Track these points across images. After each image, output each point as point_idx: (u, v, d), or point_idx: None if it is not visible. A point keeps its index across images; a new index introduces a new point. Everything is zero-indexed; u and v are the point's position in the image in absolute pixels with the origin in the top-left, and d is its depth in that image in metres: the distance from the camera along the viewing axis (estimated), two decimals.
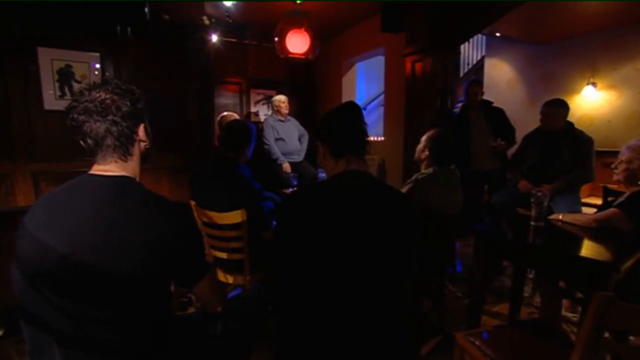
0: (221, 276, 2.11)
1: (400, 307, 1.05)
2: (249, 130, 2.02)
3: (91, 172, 0.90)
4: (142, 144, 0.98)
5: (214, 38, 4.13)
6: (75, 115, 0.85)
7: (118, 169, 0.91)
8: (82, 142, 0.89)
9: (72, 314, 0.79)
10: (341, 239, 0.95)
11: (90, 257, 0.79)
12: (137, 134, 0.95)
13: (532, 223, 1.79)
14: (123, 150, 0.91)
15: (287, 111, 4.21)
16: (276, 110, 4.19)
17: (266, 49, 4.50)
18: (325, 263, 0.95)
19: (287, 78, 5.11)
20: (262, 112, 4.95)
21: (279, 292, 1.08)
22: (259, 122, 4.55)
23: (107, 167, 0.90)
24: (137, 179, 0.97)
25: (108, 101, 0.87)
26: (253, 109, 4.95)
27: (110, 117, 0.87)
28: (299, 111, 5.06)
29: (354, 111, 1.06)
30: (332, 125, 1.06)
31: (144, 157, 1.01)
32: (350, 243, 0.95)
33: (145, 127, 0.98)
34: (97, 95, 0.86)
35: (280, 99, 4.17)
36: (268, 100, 4.80)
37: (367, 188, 1.00)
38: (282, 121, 4.17)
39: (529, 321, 1.88)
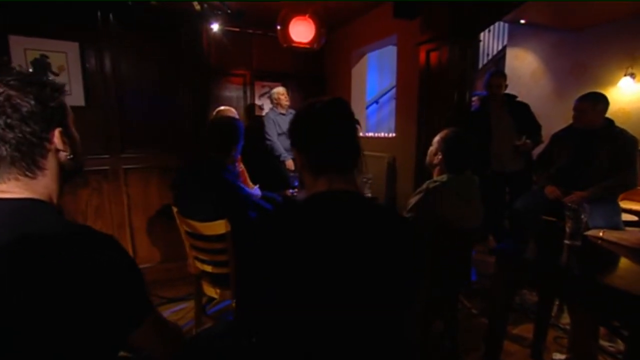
0: (209, 290, 1.93)
1: (401, 346, 0.83)
2: (237, 128, 1.79)
3: None
4: (62, 155, 0.75)
5: (215, 27, 3.90)
6: None
7: (20, 189, 0.68)
8: None
9: None
10: (324, 274, 0.72)
11: None
12: (49, 141, 0.71)
13: (567, 242, 1.50)
14: (27, 163, 0.68)
15: (287, 103, 3.98)
16: (276, 103, 3.98)
17: (271, 38, 4.25)
18: (306, 302, 0.73)
19: (293, 69, 4.84)
20: (267, 105, 4.71)
21: (249, 333, 0.87)
22: (262, 116, 4.32)
23: (4, 187, 0.67)
24: (54, 201, 0.74)
25: (0, 98, 0.64)
26: (257, 102, 4.72)
27: (2, 119, 0.64)
28: None
29: (340, 113, 0.79)
30: (310, 132, 0.80)
31: (68, 172, 0.78)
32: (336, 278, 0.72)
33: (62, 132, 0.74)
34: None
35: (279, 90, 3.96)
36: None
37: (356, 211, 0.75)
38: (283, 114, 3.95)
39: None
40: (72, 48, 2.13)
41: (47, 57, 2.07)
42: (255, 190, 2.86)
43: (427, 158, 1.68)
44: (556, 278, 1.35)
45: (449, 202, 1.50)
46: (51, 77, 2.10)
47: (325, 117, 0.78)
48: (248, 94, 4.67)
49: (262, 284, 0.75)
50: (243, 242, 1.68)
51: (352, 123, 0.80)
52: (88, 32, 2.17)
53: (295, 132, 0.82)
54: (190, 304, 2.36)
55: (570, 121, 2.47)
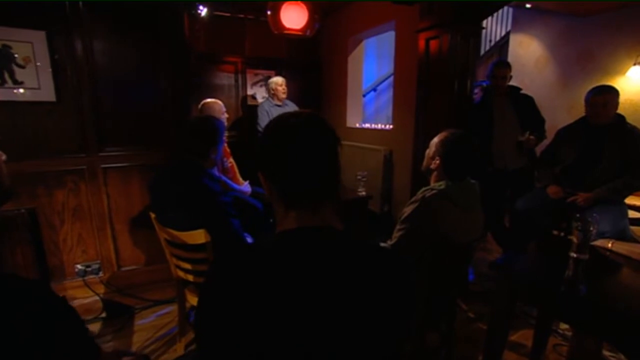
0: (192, 299, 1.82)
1: None
2: (217, 130, 1.64)
3: None
4: None
5: (204, 12, 3.67)
6: None
7: None
8: None
9: None
10: (293, 331, 0.59)
11: None
12: None
13: (573, 254, 1.38)
14: None
15: (284, 95, 3.81)
16: (272, 94, 3.80)
17: (264, 24, 4.01)
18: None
19: (288, 57, 4.63)
20: (260, 94, 4.53)
21: None
22: (255, 106, 4.15)
23: None
24: None
25: None
26: (250, 92, 4.53)
27: None
28: (301, 94, 4.61)
29: (316, 136, 0.65)
30: (278, 158, 0.65)
31: None
32: (307, 335, 0.59)
33: None
34: None
35: (277, 81, 3.77)
36: (266, 81, 4.37)
37: (328, 254, 0.61)
38: (279, 106, 3.79)
39: None
40: (38, 37, 1.94)
41: (10, 47, 1.89)
42: (245, 186, 2.74)
43: (424, 162, 1.54)
44: (560, 299, 1.24)
45: (447, 212, 1.38)
46: (16, 69, 1.93)
47: (297, 141, 0.64)
48: (240, 82, 4.48)
49: (225, 346, 0.62)
50: (223, 252, 1.56)
51: (330, 147, 0.65)
52: (55, 20, 1.98)
53: (260, 155, 0.68)
54: (176, 307, 2.28)
55: (575, 114, 2.33)
